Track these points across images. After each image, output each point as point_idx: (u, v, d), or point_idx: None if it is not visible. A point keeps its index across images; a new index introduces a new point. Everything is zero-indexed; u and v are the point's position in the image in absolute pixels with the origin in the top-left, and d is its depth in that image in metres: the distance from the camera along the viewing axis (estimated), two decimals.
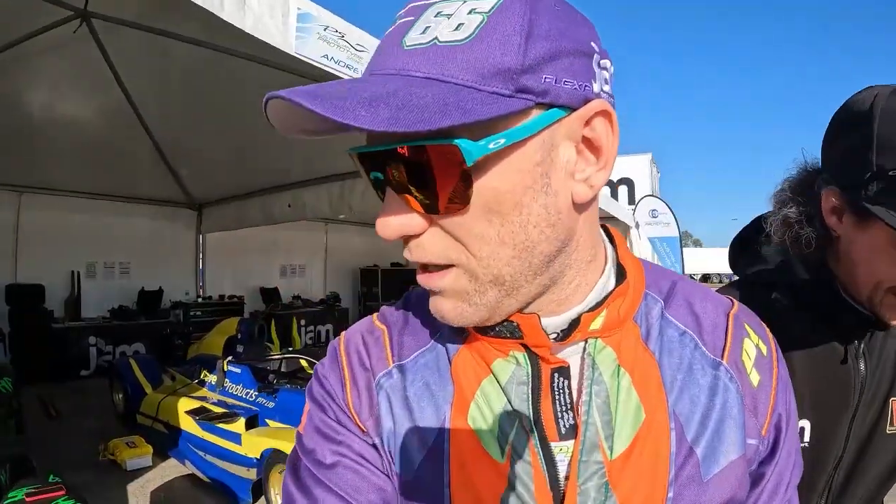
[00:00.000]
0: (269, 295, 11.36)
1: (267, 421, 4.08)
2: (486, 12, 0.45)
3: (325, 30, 2.57)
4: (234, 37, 4.36)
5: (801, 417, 0.89)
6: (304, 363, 4.81)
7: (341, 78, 2.15)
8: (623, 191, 17.50)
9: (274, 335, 7.82)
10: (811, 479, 0.94)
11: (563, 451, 0.53)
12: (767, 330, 0.65)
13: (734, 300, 0.64)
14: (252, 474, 3.72)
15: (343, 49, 2.70)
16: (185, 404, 4.56)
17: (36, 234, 8.04)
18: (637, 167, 17.94)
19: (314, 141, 0.53)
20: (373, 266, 13.34)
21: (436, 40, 0.45)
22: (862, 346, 0.92)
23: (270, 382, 4.48)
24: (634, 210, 12.87)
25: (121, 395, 5.61)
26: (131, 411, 5.29)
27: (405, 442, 0.56)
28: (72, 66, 5.27)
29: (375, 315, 0.67)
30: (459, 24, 0.45)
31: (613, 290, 0.56)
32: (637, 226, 11.31)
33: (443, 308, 0.52)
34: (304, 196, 7.47)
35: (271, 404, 4.16)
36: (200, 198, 9.50)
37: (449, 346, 0.59)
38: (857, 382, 0.92)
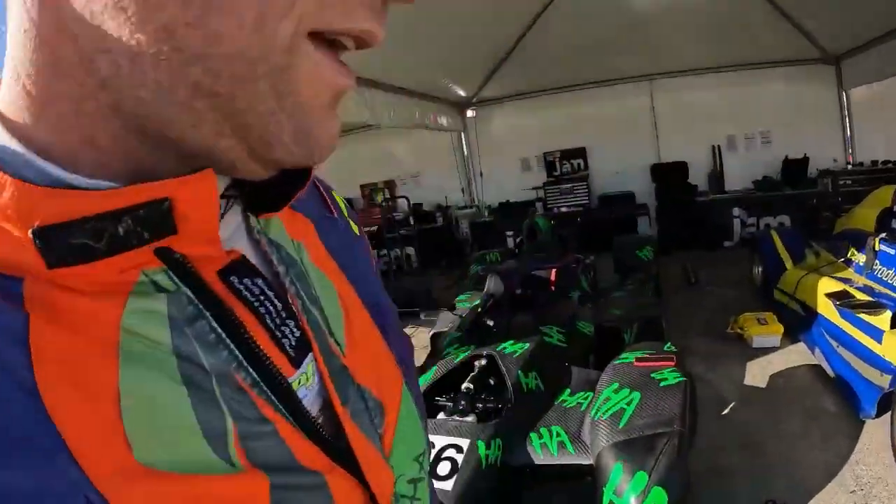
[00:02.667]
0: None
1: None
2: None
3: None
4: None
5: None
6: None
7: None
8: None
9: None
10: None
11: (302, 382, 0.38)
12: None
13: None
14: (885, 382, 2.91)
15: None
16: (825, 285, 4.05)
17: (671, 117, 8.82)
18: None
19: None
20: None
21: None
22: None
23: None
24: None
25: (760, 269, 5.54)
26: (769, 286, 5.15)
27: None
28: None
29: None
30: None
31: None
32: None
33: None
34: None
35: None
36: (836, 49, 8.01)
37: None
38: None
